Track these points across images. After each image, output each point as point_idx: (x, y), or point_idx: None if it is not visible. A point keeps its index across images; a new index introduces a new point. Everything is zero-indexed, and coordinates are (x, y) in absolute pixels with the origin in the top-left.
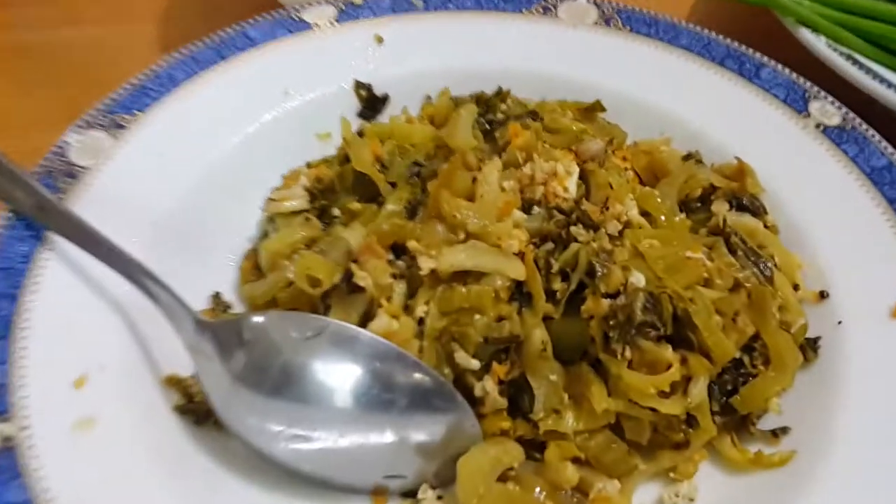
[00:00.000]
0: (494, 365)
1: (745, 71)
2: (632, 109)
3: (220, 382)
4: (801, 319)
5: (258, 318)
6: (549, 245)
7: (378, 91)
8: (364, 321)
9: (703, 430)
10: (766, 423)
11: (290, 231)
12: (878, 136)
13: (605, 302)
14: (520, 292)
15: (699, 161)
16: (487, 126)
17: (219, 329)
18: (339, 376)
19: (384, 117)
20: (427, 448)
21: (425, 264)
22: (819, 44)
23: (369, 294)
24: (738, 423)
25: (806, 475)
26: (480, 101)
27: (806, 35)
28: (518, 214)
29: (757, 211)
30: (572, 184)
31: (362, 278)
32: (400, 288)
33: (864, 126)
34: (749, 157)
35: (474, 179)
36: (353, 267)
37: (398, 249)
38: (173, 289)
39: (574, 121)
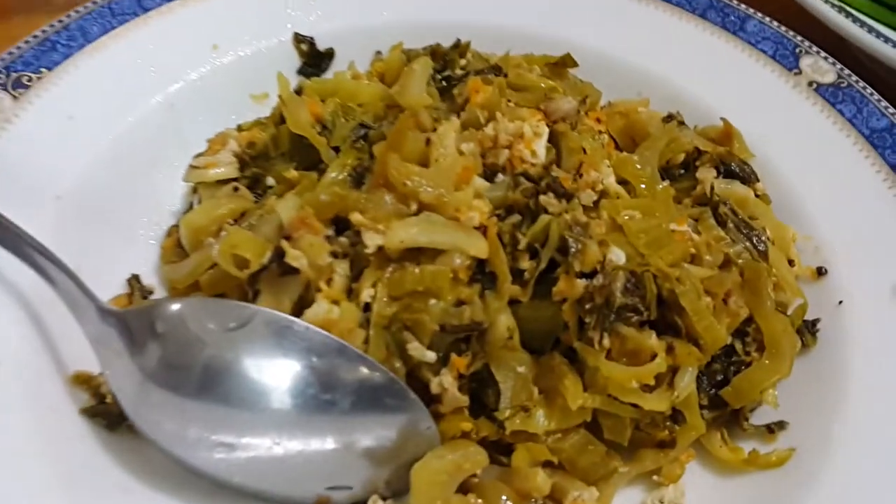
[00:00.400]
0: (453, 357)
1: (729, 24)
2: (605, 66)
3: (130, 381)
4: (799, 300)
5: (173, 307)
6: (516, 217)
7: (321, 45)
8: (299, 308)
9: (690, 428)
10: (760, 417)
11: (215, 203)
12: (876, 95)
13: (580, 282)
14: (482, 272)
15: (681, 123)
16: (444, 83)
17: (127, 319)
18: (270, 374)
19: (329, 76)
20: (376, 454)
21: (371, 241)
22: None
23: (304, 276)
24: (730, 418)
25: (806, 476)
26: (436, 55)
27: None
28: (479, 182)
29: (747, 178)
30: (541, 147)
31: (295, 258)
32: (342, 269)
33: (861, 84)
34: (735, 119)
35: (428, 142)
36: (285, 245)
37: (340, 224)
38: (72, 271)
39: (542, 77)
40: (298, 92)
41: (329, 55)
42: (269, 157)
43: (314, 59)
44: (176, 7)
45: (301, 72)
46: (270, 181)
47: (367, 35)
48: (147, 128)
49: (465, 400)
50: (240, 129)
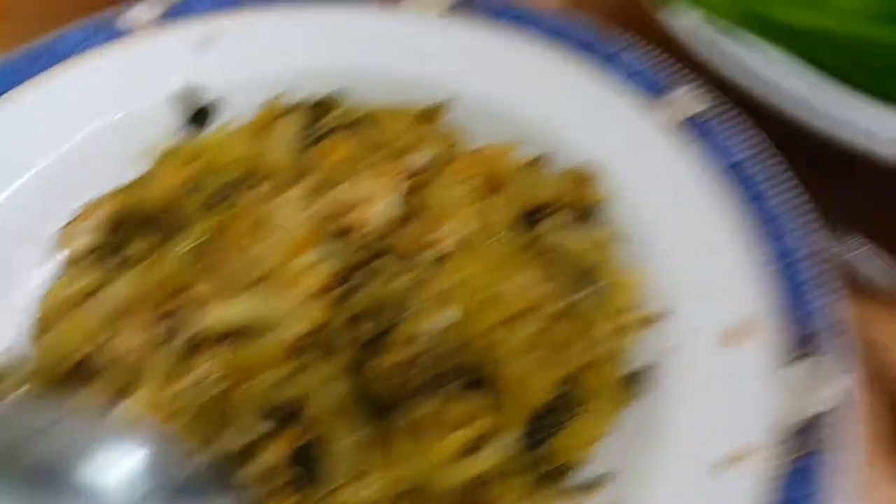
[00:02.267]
0: (281, 433)
1: (599, 57)
2: (479, 109)
3: None
4: (629, 347)
5: None
6: (354, 282)
7: (209, 98)
8: (125, 394)
9: (512, 489)
10: (584, 472)
11: (68, 280)
12: (743, 126)
13: (413, 345)
14: (317, 340)
15: (544, 167)
16: (309, 140)
17: None
18: (89, 470)
19: (214, 128)
20: None
21: (198, 320)
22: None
23: (132, 360)
24: (552, 475)
25: None
26: (307, 109)
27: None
28: (318, 249)
29: (595, 222)
30: (387, 207)
31: (123, 341)
32: (172, 348)
33: (731, 115)
34: (599, 158)
35: (269, 211)
36: (114, 328)
37: (179, 297)
38: None
39: (408, 129)
40: (173, 152)
41: (212, 110)
42: (136, 224)
43: (196, 116)
44: (57, 71)
45: (184, 129)
46: (132, 250)
47: (251, 86)
48: (17, 203)
49: (296, 475)
50: (111, 194)
